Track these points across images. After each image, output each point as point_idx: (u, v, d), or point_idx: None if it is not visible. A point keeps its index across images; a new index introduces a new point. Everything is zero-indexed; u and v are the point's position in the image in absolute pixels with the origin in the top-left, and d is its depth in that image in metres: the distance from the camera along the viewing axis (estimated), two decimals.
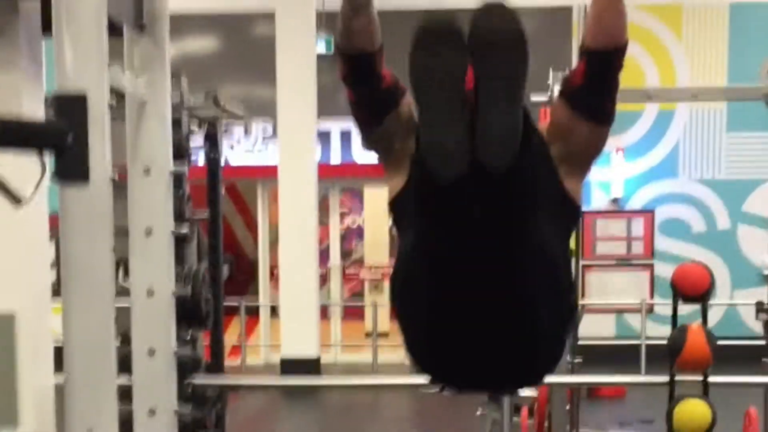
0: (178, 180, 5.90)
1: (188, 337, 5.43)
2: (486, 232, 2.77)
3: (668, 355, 5.09)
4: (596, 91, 3.02)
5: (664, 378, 5.17)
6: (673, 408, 5.05)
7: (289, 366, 11.78)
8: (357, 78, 3.08)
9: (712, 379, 5.11)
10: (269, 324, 14.23)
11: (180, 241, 5.88)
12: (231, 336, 13.99)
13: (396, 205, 3.22)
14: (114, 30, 3.16)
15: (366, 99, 3.10)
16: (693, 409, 5.00)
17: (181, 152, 5.81)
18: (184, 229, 3.38)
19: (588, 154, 3.15)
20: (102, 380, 2.77)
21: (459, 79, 2.68)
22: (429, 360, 3.09)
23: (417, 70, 2.73)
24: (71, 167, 2.65)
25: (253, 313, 14.51)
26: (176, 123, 5.91)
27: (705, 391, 5.11)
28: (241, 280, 15.89)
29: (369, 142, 3.21)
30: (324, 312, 13.98)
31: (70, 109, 2.64)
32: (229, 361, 13.48)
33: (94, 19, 2.60)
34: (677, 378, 5.13)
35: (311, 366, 11.76)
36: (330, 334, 14.04)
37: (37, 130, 2.65)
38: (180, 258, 5.92)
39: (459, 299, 2.85)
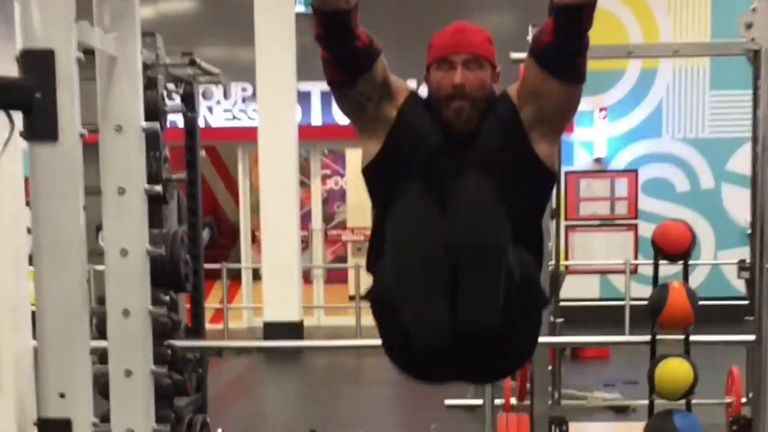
0: (154, 140, 5.84)
1: (167, 300, 5.40)
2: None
3: (649, 314, 5.07)
4: (566, 48, 2.96)
5: (646, 337, 5.16)
6: (655, 367, 5.04)
7: (272, 330, 11.75)
8: (331, 36, 3.03)
9: (693, 337, 5.10)
10: (251, 288, 14.20)
11: (157, 203, 5.84)
12: (214, 300, 13.97)
13: (370, 172, 3.19)
14: None
15: (340, 58, 3.04)
16: (674, 368, 5.00)
17: (156, 112, 5.75)
18: (158, 188, 3.29)
19: (560, 114, 3.11)
20: (75, 344, 2.72)
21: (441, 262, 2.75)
22: (407, 362, 3.08)
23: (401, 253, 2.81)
24: (39, 125, 2.59)
25: (236, 277, 14.48)
26: (151, 82, 5.86)
27: (686, 349, 5.09)
28: (223, 244, 15.85)
29: (342, 103, 3.16)
30: (307, 275, 13.97)
31: (37, 65, 2.57)
32: (212, 326, 13.48)
33: None
34: (659, 337, 5.12)
35: (294, 329, 11.73)
36: (313, 298, 14.03)
37: (1, 87, 2.58)
38: (158, 220, 5.88)
39: (439, 315, 2.83)
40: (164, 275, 5.52)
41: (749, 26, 2.95)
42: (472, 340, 2.78)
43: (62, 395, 2.67)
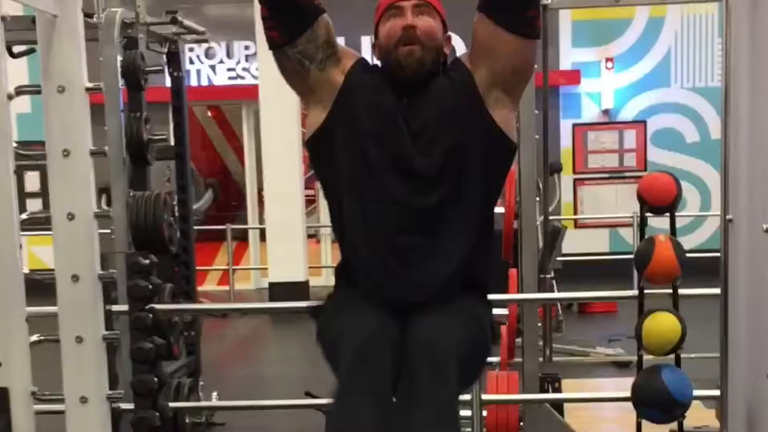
0: (135, 101, 5.76)
1: (146, 263, 5.30)
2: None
3: (636, 268, 4.97)
4: None
5: (633, 292, 5.06)
6: (642, 322, 4.94)
7: (278, 290, 11.67)
8: None
9: (682, 291, 4.99)
10: (259, 248, 14.10)
11: (139, 164, 5.76)
12: (221, 262, 13.95)
13: (314, 145, 3.07)
14: None
15: (279, 14, 2.94)
16: (661, 322, 4.88)
17: (136, 71, 5.66)
18: (105, 149, 3.23)
19: (515, 74, 2.99)
20: (10, 312, 2.67)
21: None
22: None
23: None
24: None
25: (245, 238, 14.41)
26: (131, 42, 5.77)
27: (675, 303, 4.98)
28: (231, 205, 15.78)
29: (283, 65, 3.03)
30: (315, 235, 13.90)
31: None
32: (220, 287, 13.48)
33: None
34: (646, 291, 5.01)
35: (299, 289, 11.65)
36: (320, 258, 13.95)
37: None
38: (140, 182, 5.80)
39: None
40: (145, 238, 5.45)
41: None
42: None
43: None
